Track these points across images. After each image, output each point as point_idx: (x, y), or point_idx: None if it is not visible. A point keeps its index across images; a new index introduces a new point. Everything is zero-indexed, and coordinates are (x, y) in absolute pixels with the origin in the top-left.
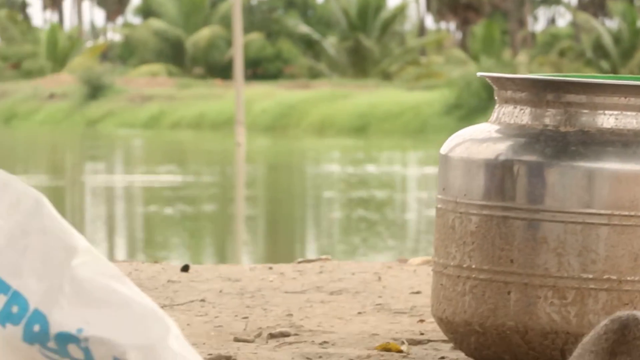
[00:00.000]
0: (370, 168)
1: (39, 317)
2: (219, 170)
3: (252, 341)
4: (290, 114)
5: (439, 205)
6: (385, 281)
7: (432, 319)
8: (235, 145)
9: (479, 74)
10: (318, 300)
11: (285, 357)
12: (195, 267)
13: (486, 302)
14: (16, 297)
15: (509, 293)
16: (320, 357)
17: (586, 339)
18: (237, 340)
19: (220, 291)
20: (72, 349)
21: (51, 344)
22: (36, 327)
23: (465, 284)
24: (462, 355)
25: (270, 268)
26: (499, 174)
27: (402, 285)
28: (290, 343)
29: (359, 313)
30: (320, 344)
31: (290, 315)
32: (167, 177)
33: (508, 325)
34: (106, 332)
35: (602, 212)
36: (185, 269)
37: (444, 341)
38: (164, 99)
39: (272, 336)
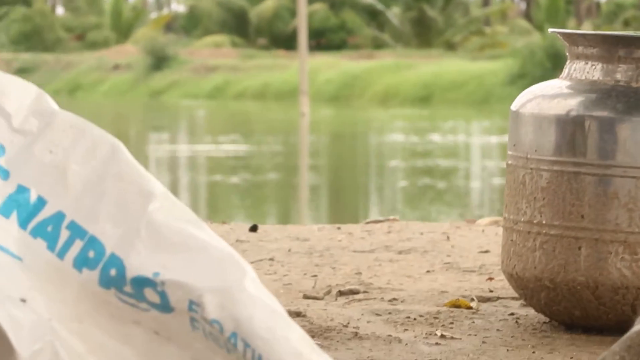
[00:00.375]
0: (435, 137)
1: (115, 261)
2: (283, 140)
3: (321, 298)
4: (353, 84)
5: (510, 162)
6: (454, 241)
7: (501, 277)
8: (299, 115)
9: (551, 30)
10: (387, 259)
11: (355, 313)
12: (263, 227)
13: (556, 257)
14: (92, 242)
15: (579, 248)
16: (389, 313)
17: None
18: (306, 297)
19: (289, 250)
20: (149, 292)
21: (127, 288)
22: (112, 272)
23: (535, 240)
24: (531, 312)
25: (339, 228)
26: (570, 129)
27: (470, 244)
28: (359, 300)
29: (428, 271)
30: (390, 301)
31: (359, 273)
32: (231, 147)
33: (578, 280)
34: (183, 275)
35: None
36: (253, 229)
37: (513, 298)
38: (228, 70)
39: (341, 293)
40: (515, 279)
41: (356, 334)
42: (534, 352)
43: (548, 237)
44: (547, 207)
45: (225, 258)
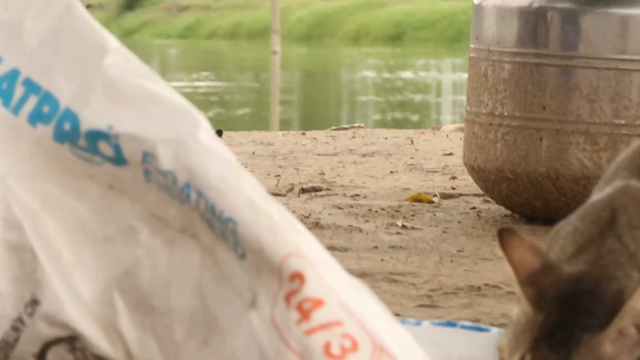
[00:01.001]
0: (406, 74)
1: (69, 115)
2: (255, 77)
3: (284, 195)
4: (325, 23)
5: (472, 55)
6: (418, 145)
7: (464, 177)
8: (271, 53)
9: None
10: (350, 162)
11: (317, 207)
12: (228, 133)
13: (518, 149)
14: (47, 98)
15: (540, 139)
16: (351, 207)
17: (620, 157)
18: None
19: (253, 153)
20: (103, 146)
21: (81, 142)
22: (67, 126)
23: (497, 132)
24: (493, 206)
25: (303, 134)
26: (533, 21)
27: (435, 147)
28: (321, 196)
29: (391, 172)
30: (352, 196)
31: (323, 174)
32: (204, 83)
33: (540, 171)
34: (136, 127)
35: (636, 58)
36: (218, 133)
37: (475, 195)
38: (200, 9)
39: (304, 191)
40: (476, 171)
41: (317, 223)
42: (494, 241)
43: (509, 128)
44: (509, 99)
45: (179, 110)
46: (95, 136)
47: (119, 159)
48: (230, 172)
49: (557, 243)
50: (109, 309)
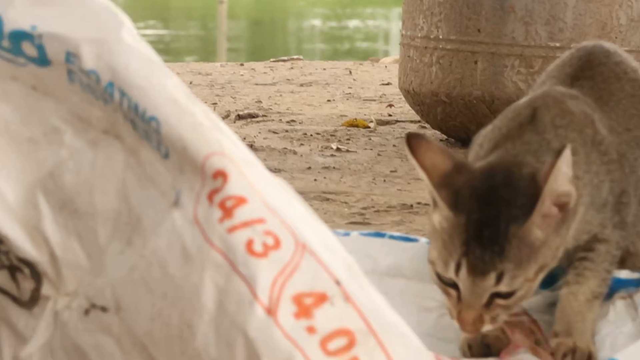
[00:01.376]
0: (354, 23)
1: None
2: (202, 25)
3: None
4: None
5: None
6: (356, 75)
7: (401, 105)
8: (217, 2)
9: None
10: (288, 91)
11: (252, 131)
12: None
13: (453, 72)
14: None
15: (475, 63)
16: (286, 131)
17: (551, 67)
18: None
19: (191, 82)
20: (26, 46)
21: (5, 43)
22: None
23: (432, 55)
24: (429, 131)
25: (242, 65)
26: None
27: (373, 78)
28: (257, 122)
29: (328, 100)
30: (288, 122)
31: (260, 102)
32: (151, 32)
33: (475, 94)
34: (59, 27)
35: None
36: None
37: (412, 121)
38: None
39: (240, 117)
40: (412, 95)
41: (252, 146)
42: None
43: (445, 52)
44: (444, 22)
45: (102, 10)
46: (19, 37)
47: (42, 60)
48: (153, 70)
49: (476, 141)
50: (33, 211)
